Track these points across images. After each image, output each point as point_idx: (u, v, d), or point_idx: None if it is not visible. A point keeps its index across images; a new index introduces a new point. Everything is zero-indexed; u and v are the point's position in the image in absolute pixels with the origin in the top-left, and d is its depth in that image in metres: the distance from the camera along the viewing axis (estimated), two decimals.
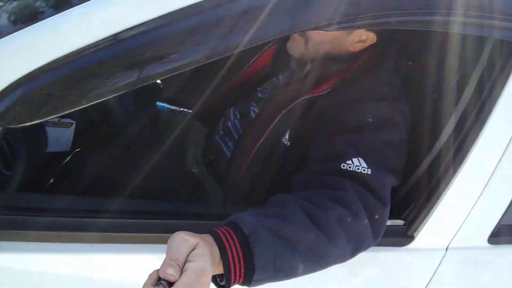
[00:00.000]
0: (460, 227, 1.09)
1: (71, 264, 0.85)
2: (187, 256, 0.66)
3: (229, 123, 1.33)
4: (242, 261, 0.73)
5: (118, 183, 1.19)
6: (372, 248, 0.90)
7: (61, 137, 1.23)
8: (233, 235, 0.74)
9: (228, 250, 0.72)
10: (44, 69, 0.71)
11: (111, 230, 0.85)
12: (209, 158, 1.37)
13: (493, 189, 1.05)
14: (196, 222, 0.92)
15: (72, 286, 0.87)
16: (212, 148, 1.35)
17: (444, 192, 1.03)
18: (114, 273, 0.87)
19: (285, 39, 1.21)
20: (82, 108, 0.75)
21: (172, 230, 0.91)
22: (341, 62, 1.13)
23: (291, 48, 1.18)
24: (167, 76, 0.74)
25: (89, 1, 0.72)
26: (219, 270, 0.73)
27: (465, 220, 1.09)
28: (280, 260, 0.76)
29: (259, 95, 1.36)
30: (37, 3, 0.90)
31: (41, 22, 0.72)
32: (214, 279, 0.76)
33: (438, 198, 1.04)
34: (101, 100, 0.74)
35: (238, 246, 0.73)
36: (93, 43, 0.71)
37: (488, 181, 1.04)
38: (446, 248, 1.11)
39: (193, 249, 0.67)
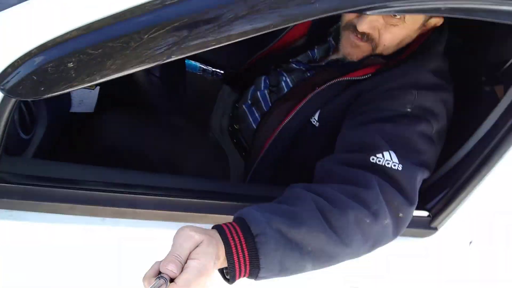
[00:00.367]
0: (486, 224, 1.06)
1: (83, 237, 0.85)
2: (190, 252, 0.66)
3: (259, 93, 1.28)
4: (247, 260, 0.72)
5: (139, 150, 1.17)
6: None
7: (85, 99, 1.21)
8: (240, 234, 0.73)
9: (234, 249, 0.72)
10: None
11: (123, 205, 0.84)
12: (234, 127, 1.33)
13: None
14: (211, 202, 0.89)
15: (82, 259, 0.88)
16: (238, 117, 1.31)
17: (475, 188, 0.99)
18: (125, 248, 0.87)
19: None
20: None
21: (187, 208, 0.89)
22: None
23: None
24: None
25: None
26: (225, 265, 0.73)
27: (491, 217, 1.05)
28: (287, 260, 0.75)
29: (293, 65, 1.29)
30: None
31: None
32: (221, 270, 0.75)
33: (468, 192, 0.99)
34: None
35: (244, 246, 0.72)
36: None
37: None
38: (470, 243, 1.07)
39: (198, 246, 0.67)
